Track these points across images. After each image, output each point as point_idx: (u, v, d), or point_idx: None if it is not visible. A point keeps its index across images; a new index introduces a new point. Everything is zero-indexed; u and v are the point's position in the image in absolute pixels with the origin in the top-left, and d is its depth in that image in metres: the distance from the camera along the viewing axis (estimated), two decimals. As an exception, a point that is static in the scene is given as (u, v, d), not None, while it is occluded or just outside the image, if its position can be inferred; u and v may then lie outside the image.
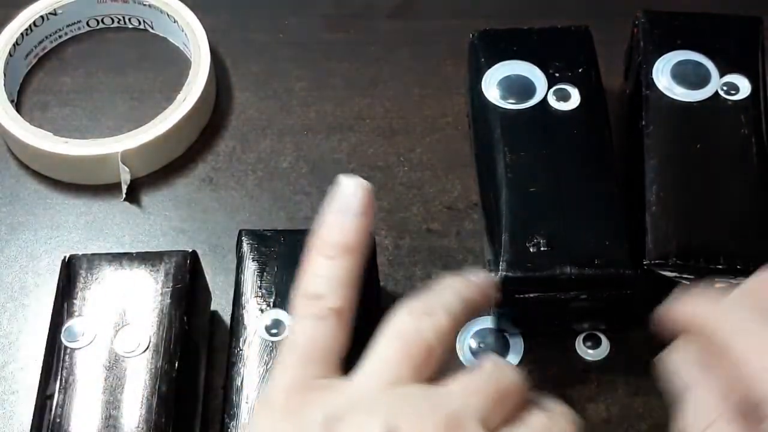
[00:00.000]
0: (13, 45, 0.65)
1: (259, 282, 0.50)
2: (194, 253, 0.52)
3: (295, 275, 0.50)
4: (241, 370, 0.48)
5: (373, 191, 0.43)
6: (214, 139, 0.63)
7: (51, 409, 0.47)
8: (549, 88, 0.55)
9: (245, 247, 0.51)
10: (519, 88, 0.55)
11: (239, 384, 0.48)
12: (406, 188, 0.61)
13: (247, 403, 0.47)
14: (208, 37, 0.65)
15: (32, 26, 0.66)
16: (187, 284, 0.51)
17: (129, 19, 0.68)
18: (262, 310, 0.49)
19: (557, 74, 0.56)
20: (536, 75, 0.56)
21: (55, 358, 0.49)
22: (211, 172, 0.62)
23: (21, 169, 0.63)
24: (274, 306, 0.49)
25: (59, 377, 0.48)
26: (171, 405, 0.48)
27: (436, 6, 0.69)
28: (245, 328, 0.49)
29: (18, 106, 0.65)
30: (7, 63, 0.64)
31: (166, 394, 0.48)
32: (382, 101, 0.65)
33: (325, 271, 0.41)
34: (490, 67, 0.56)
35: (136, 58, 0.67)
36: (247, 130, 0.64)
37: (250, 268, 0.51)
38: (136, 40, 0.68)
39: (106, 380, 0.48)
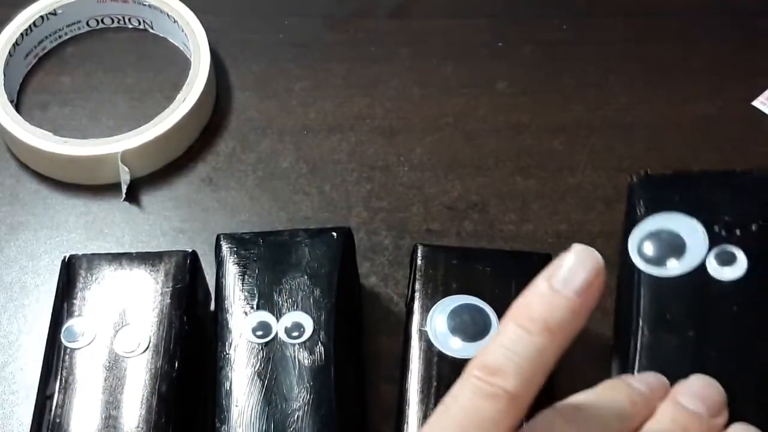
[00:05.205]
0: (13, 45, 0.65)
1: (240, 285, 0.50)
2: (194, 253, 0.52)
3: (276, 276, 0.50)
4: (230, 374, 0.48)
5: (603, 272, 0.35)
6: (214, 139, 0.63)
7: (51, 409, 0.47)
8: (710, 249, 0.44)
9: (225, 251, 0.51)
10: (670, 247, 0.45)
11: (228, 388, 0.47)
12: (406, 188, 0.61)
13: (237, 406, 0.47)
14: (208, 37, 0.65)
15: (32, 26, 0.66)
16: (187, 284, 0.51)
17: (129, 19, 0.68)
18: (246, 313, 0.49)
19: (724, 232, 0.45)
20: (696, 232, 0.45)
21: (55, 358, 0.49)
22: (211, 172, 0.62)
23: (21, 169, 0.63)
24: (258, 308, 0.49)
25: (59, 377, 0.48)
26: (171, 405, 0.48)
27: (436, 6, 0.69)
28: (230, 332, 0.49)
29: (18, 106, 0.65)
30: (6, 63, 0.64)
31: (166, 394, 0.48)
32: (382, 101, 0.65)
33: (514, 345, 0.34)
34: (641, 221, 0.46)
35: (136, 58, 0.67)
36: (247, 130, 0.64)
37: (231, 271, 0.51)
38: (136, 40, 0.68)
39: (106, 380, 0.48)
